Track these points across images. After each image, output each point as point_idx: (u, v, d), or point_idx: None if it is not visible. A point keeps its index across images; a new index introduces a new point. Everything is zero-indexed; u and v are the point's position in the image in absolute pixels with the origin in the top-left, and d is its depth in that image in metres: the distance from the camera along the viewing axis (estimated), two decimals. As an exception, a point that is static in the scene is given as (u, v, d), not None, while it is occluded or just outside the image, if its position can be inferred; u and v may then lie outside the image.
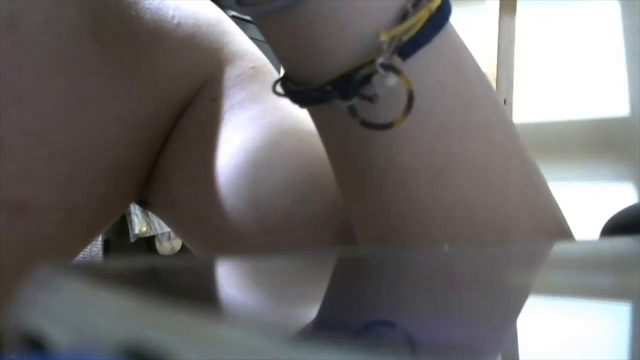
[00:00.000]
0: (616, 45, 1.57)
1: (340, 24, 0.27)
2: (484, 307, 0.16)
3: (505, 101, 1.46)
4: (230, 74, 0.41)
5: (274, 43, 0.29)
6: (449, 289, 0.18)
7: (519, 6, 1.51)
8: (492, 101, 0.31)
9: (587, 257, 0.24)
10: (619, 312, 0.16)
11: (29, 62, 0.36)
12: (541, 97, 1.64)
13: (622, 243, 0.29)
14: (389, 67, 0.26)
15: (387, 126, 0.27)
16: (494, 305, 0.17)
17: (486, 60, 1.46)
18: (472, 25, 1.67)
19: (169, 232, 1.96)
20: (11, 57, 0.36)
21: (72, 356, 0.13)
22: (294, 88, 0.29)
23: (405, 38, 0.27)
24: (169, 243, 1.98)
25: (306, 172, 0.37)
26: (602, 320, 0.16)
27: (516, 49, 1.50)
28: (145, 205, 0.43)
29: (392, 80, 0.26)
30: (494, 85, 1.52)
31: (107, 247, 1.89)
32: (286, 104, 0.41)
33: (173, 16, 0.40)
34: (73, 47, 0.37)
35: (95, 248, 1.79)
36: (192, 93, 0.40)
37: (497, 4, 1.46)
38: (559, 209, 0.34)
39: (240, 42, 0.42)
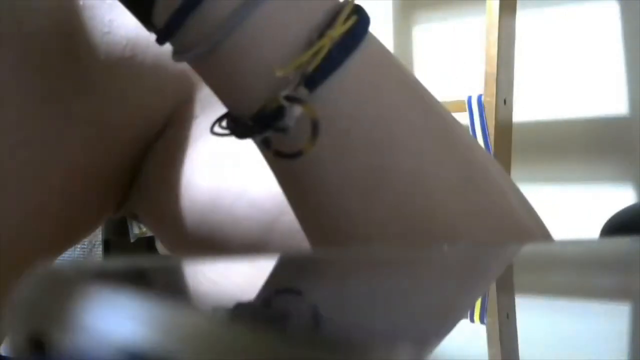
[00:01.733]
0: (615, 45, 1.57)
1: (250, 64, 0.29)
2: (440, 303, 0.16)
3: (505, 101, 1.46)
4: (210, 91, 0.41)
5: (209, 84, 0.31)
6: (442, 287, 0.18)
7: (519, 6, 1.51)
8: (420, 109, 0.32)
9: (587, 257, 0.24)
10: (619, 312, 0.16)
11: None
12: (541, 97, 1.64)
13: (622, 243, 0.29)
14: (292, 99, 0.28)
15: (296, 155, 0.29)
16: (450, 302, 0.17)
17: (486, 60, 1.46)
18: (472, 25, 1.67)
19: (168, 232, 1.95)
20: None
21: (72, 356, 0.13)
22: (230, 124, 0.31)
23: (310, 68, 0.28)
24: (169, 243, 1.98)
25: None
26: (602, 320, 0.16)
27: (516, 49, 1.50)
28: (136, 218, 0.44)
29: (297, 110, 0.28)
30: (494, 85, 1.52)
31: (107, 247, 1.89)
32: None
33: (150, 35, 0.41)
34: (36, 50, 0.38)
35: (95, 248, 1.79)
36: (170, 108, 0.41)
37: (497, 4, 1.46)
38: (525, 206, 0.34)
39: None
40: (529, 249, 0.27)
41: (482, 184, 0.32)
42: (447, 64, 1.72)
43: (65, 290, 0.14)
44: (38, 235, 0.40)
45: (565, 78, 1.61)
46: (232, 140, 0.39)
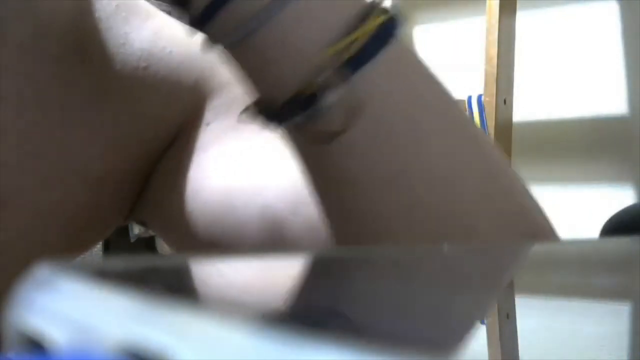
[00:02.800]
0: (615, 45, 1.57)
1: (287, 51, 0.29)
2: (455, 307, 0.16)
3: (505, 101, 1.46)
4: (223, 100, 0.42)
5: (243, 71, 0.31)
6: (444, 288, 0.18)
7: (519, 6, 1.51)
8: (447, 107, 0.33)
9: (587, 257, 0.24)
10: (619, 312, 0.16)
11: (11, 64, 0.38)
12: (541, 97, 1.64)
13: (622, 243, 0.29)
14: (330, 84, 0.28)
15: (331, 139, 0.29)
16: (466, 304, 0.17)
17: (486, 60, 1.46)
18: (472, 25, 1.67)
19: (168, 232, 1.95)
20: None
21: (72, 356, 0.13)
22: (260, 113, 0.31)
23: (347, 55, 0.29)
24: (169, 243, 1.98)
25: (295, 187, 0.37)
26: (602, 320, 0.16)
27: (516, 49, 1.50)
28: (144, 224, 0.44)
29: (334, 95, 0.28)
30: (494, 85, 1.52)
31: (107, 247, 1.89)
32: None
33: (165, 47, 0.42)
34: (52, 61, 0.39)
35: (95, 248, 1.79)
36: (182, 117, 0.42)
37: (497, 4, 1.46)
38: (536, 208, 0.34)
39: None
40: (529, 249, 0.27)
41: (501, 182, 0.33)
42: (447, 63, 1.72)
43: (65, 289, 0.14)
44: (49, 243, 0.41)
45: (565, 78, 1.61)
46: (244, 145, 0.39)
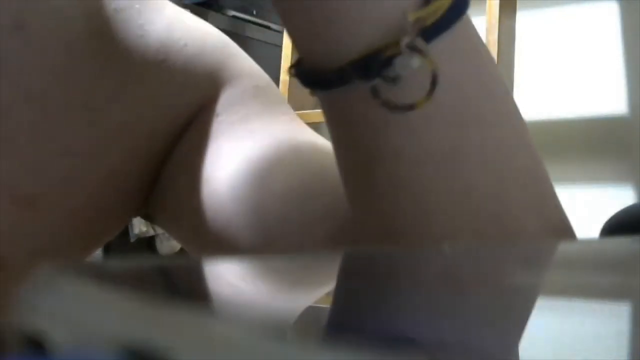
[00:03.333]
0: (615, 45, 1.57)
1: (362, 2, 0.27)
2: (487, 308, 0.16)
3: (505, 101, 1.46)
4: (234, 91, 0.42)
5: (290, 21, 0.29)
6: (449, 289, 0.18)
7: (519, 6, 1.51)
8: (506, 95, 0.31)
9: (587, 257, 0.24)
10: (619, 312, 0.16)
11: (36, 63, 0.38)
12: (541, 97, 1.64)
13: (622, 243, 0.29)
14: (414, 49, 0.27)
15: (409, 107, 0.28)
16: (498, 306, 0.17)
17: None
18: (472, 25, 1.67)
19: (168, 232, 1.95)
20: (19, 57, 0.37)
21: (72, 356, 0.13)
22: (309, 70, 0.29)
23: (428, 22, 0.27)
24: (169, 243, 1.98)
25: (302, 180, 0.37)
26: (602, 320, 0.16)
27: (516, 49, 1.50)
28: (150, 218, 0.44)
29: (416, 62, 0.27)
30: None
31: (107, 247, 1.89)
32: (286, 119, 0.42)
33: (180, 38, 0.41)
34: (76, 57, 0.39)
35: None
36: (194, 109, 0.42)
37: (497, 4, 1.46)
38: (562, 207, 0.34)
39: (244, 62, 0.44)
40: (529, 248, 0.27)
41: (541, 177, 0.32)
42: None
43: (65, 290, 0.14)
44: (73, 241, 0.41)
45: (565, 78, 1.61)
46: (252, 137, 0.39)
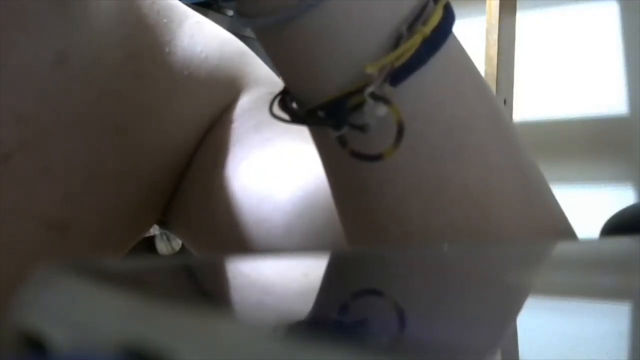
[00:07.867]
0: (615, 45, 1.57)
1: (332, 48, 0.26)
2: (487, 308, 0.16)
3: (505, 101, 1.46)
4: (249, 98, 0.42)
5: (272, 58, 0.28)
6: (447, 289, 0.18)
7: (519, 6, 1.51)
8: (491, 116, 0.30)
9: (587, 257, 0.24)
10: (619, 312, 0.16)
11: (76, 91, 0.38)
12: (541, 97, 1.64)
13: (622, 243, 0.29)
14: (379, 97, 0.26)
15: (377, 158, 0.27)
16: (498, 306, 0.17)
17: (486, 60, 1.46)
18: (472, 26, 1.67)
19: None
20: (60, 88, 0.37)
21: (72, 356, 0.13)
22: (290, 105, 0.29)
23: (397, 64, 0.26)
24: (169, 243, 1.98)
25: (305, 190, 0.38)
26: (602, 320, 0.16)
27: (516, 49, 1.50)
28: (164, 225, 0.45)
29: (382, 110, 0.26)
30: (494, 85, 1.52)
31: (107, 247, 1.89)
32: (296, 127, 0.42)
33: (201, 51, 0.42)
34: (112, 81, 0.39)
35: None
36: (214, 119, 0.42)
37: (497, 4, 1.46)
38: (561, 215, 0.33)
39: (260, 71, 0.44)
40: (529, 249, 0.27)
41: (538, 201, 0.31)
42: (447, 64, 1.72)
43: (65, 290, 0.14)
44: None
45: (565, 78, 1.61)
46: (263, 147, 0.40)
